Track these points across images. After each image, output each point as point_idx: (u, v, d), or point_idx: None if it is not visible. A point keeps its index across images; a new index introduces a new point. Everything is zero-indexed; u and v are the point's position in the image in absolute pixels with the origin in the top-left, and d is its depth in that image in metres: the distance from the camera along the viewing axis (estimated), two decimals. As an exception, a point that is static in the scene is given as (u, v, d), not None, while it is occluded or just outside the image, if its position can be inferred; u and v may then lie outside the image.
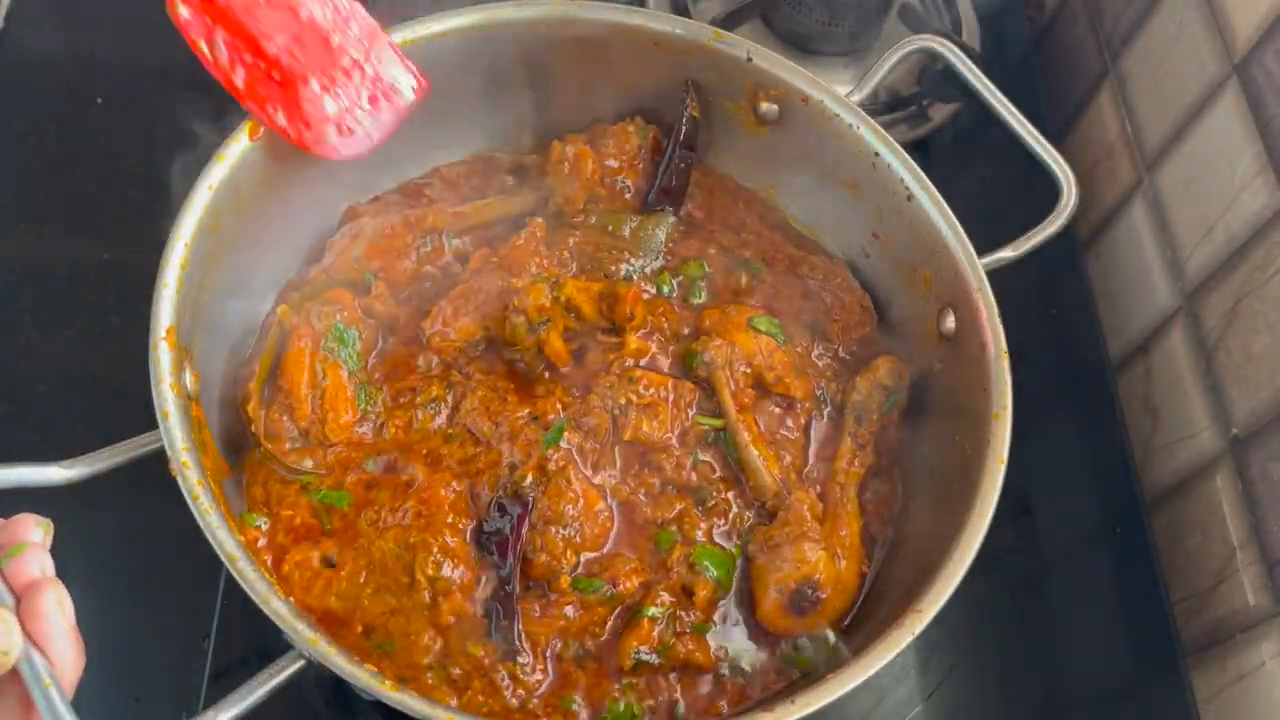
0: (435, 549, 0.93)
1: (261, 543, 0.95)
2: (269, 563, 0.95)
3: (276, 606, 0.82)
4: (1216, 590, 1.18)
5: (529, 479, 0.96)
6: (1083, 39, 1.50)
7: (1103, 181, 1.35)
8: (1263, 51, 1.14)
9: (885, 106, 1.39)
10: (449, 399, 1.02)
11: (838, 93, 1.10)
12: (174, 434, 0.87)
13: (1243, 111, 1.17)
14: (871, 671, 0.85)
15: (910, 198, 1.07)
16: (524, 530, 0.94)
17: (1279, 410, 1.10)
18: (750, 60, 1.11)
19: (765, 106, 1.14)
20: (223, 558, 0.83)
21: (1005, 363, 0.98)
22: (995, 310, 1.00)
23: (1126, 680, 1.20)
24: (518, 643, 0.92)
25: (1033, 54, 1.56)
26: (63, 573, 1.07)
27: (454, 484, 0.97)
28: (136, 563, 1.11)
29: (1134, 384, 1.34)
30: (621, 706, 0.93)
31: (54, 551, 1.08)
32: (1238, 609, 1.15)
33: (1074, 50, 1.52)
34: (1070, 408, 1.28)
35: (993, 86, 1.15)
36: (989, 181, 1.34)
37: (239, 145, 0.99)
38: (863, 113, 1.10)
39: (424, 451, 1.00)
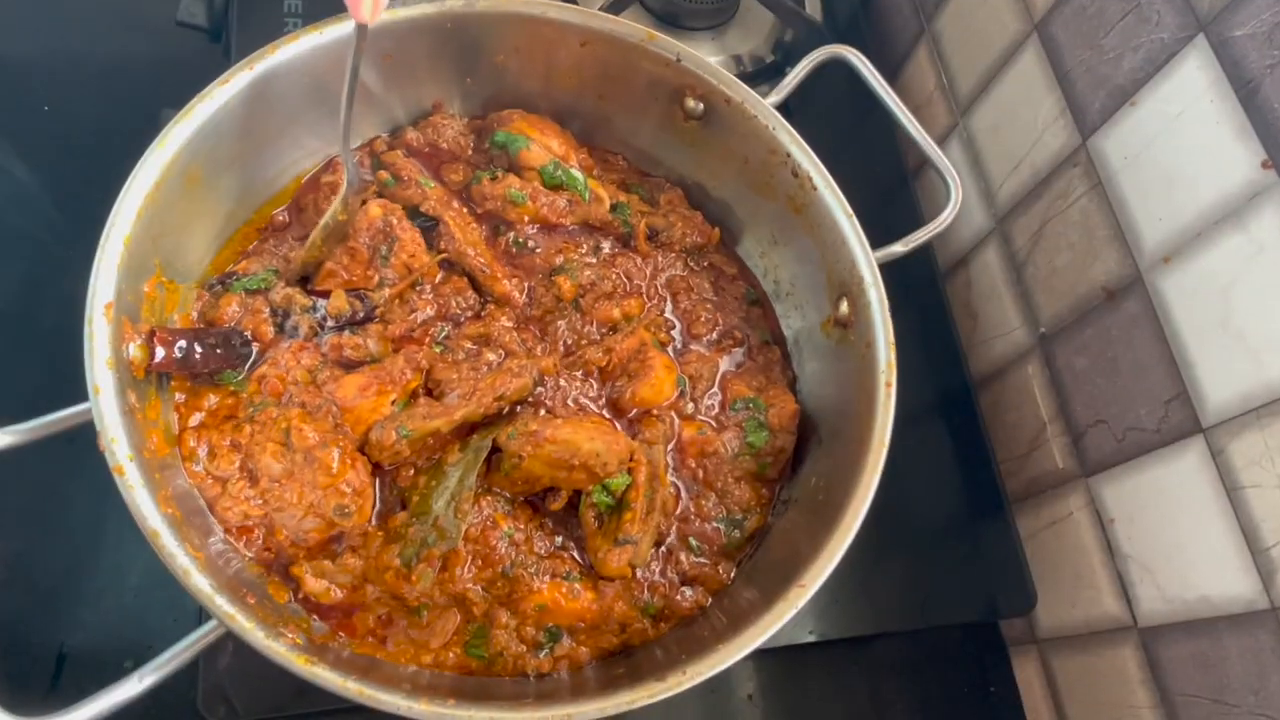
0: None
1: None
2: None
3: (197, 582, 0.81)
4: (1031, 456, 1.33)
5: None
6: (901, 2, 1.59)
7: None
8: (1060, 11, 1.24)
9: (754, 75, 1.49)
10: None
11: (757, 96, 1.14)
12: (103, 410, 0.85)
13: (1044, 64, 1.27)
14: (758, 643, 0.87)
15: (815, 189, 1.12)
16: None
17: (1079, 314, 1.24)
18: (679, 61, 1.14)
19: (692, 103, 1.18)
20: (145, 533, 0.82)
21: (893, 354, 1.05)
22: (886, 303, 1.07)
23: (965, 522, 1.35)
24: None
25: (861, 16, 1.65)
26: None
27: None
28: (75, 521, 1.11)
29: (958, 290, 1.48)
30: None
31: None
32: (1049, 470, 1.30)
33: (895, 11, 1.61)
34: (911, 310, 1.22)
35: (894, 95, 1.18)
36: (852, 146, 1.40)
37: (184, 127, 0.97)
38: (778, 114, 1.14)
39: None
